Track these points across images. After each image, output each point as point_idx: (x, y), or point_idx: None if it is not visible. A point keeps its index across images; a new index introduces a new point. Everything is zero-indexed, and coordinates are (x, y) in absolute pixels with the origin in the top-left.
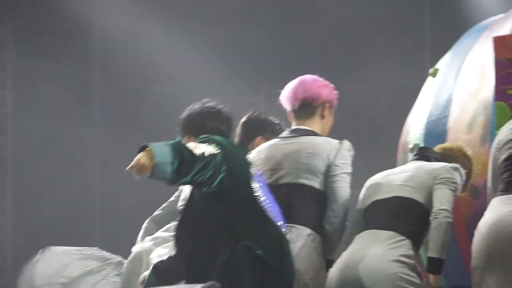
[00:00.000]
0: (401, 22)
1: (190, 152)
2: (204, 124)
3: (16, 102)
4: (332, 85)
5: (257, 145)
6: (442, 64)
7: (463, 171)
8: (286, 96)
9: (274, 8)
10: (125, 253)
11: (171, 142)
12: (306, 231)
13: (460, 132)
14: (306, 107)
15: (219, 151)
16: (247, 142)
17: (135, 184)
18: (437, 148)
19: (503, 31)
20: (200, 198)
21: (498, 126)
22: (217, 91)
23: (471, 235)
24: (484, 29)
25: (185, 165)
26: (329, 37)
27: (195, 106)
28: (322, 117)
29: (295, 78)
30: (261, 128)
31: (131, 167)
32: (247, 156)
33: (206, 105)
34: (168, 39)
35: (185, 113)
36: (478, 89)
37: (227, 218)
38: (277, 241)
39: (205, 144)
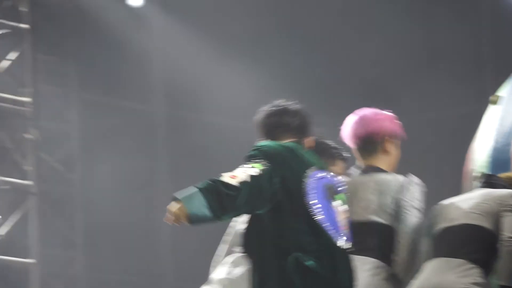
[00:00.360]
0: (461, 49)
1: (226, 184)
2: (270, 123)
3: (81, 137)
4: (393, 116)
5: None
6: (504, 91)
7: None
8: (346, 134)
9: (335, 40)
10: None
11: (201, 183)
12: (373, 263)
13: None
14: (367, 144)
15: (265, 167)
16: None
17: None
18: (502, 176)
19: None
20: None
21: None
22: None
23: None
24: None
25: (225, 199)
26: (390, 66)
27: (264, 108)
28: (386, 151)
29: (357, 108)
30: (319, 152)
31: (167, 219)
32: (303, 156)
33: (274, 105)
34: (231, 71)
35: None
36: None
37: (278, 230)
38: (330, 251)
39: (248, 165)
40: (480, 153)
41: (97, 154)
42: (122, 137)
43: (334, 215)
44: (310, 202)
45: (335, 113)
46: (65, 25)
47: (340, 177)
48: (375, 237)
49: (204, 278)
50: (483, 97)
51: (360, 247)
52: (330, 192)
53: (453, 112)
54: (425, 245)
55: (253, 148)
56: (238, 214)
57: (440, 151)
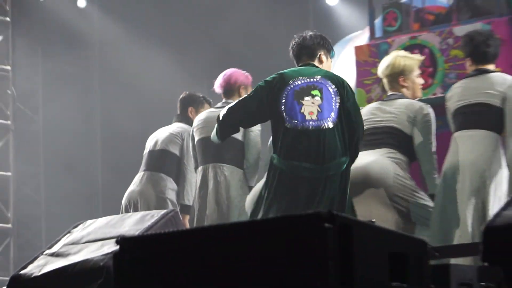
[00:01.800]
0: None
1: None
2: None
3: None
4: (247, 73)
5: (191, 113)
6: None
7: None
8: (217, 84)
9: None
10: None
11: None
12: None
13: None
14: (229, 89)
15: (249, 95)
16: (184, 112)
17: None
18: None
19: (361, 42)
20: None
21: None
22: (174, 85)
23: None
24: (349, 41)
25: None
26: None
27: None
28: (240, 95)
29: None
30: (192, 101)
31: None
32: (292, 74)
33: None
34: (138, 46)
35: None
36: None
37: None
38: (285, 137)
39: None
40: None
41: (55, 102)
42: (71, 86)
43: (297, 107)
44: (278, 105)
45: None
46: (39, 17)
47: (318, 78)
48: None
49: None
50: None
51: None
52: (302, 92)
53: None
54: None
55: None
56: (228, 132)
57: None
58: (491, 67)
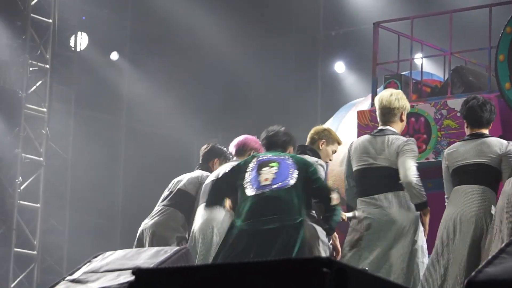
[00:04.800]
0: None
1: None
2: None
3: (75, 135)
4: (257, 139)
5: (215, 165)
6: (328, 124)
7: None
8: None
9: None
10: None
11: None
12: None
13: (335, 165)
14: (242, 150)
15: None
16: (206, 163)
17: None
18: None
19: (363, 107)
20: None
21: None
22: (192, 134)
23: None
24: (352, 106)
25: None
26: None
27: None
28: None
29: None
30: (216, 153)
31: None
32: (253, 156)
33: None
34: (165, 101)
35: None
36: (348, 140)
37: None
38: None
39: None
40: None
41: (83, 143)
42: (99, 130)
43: (257, 177)
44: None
45: (230, 131)
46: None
47: (271, 155)
48: None
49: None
50: None
51: None
52: (262, 164)
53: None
54: None
55: None
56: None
57: None
58: (485, 131)
